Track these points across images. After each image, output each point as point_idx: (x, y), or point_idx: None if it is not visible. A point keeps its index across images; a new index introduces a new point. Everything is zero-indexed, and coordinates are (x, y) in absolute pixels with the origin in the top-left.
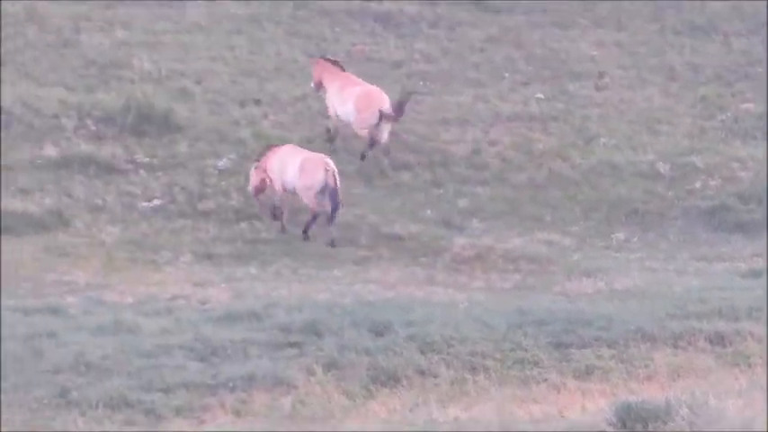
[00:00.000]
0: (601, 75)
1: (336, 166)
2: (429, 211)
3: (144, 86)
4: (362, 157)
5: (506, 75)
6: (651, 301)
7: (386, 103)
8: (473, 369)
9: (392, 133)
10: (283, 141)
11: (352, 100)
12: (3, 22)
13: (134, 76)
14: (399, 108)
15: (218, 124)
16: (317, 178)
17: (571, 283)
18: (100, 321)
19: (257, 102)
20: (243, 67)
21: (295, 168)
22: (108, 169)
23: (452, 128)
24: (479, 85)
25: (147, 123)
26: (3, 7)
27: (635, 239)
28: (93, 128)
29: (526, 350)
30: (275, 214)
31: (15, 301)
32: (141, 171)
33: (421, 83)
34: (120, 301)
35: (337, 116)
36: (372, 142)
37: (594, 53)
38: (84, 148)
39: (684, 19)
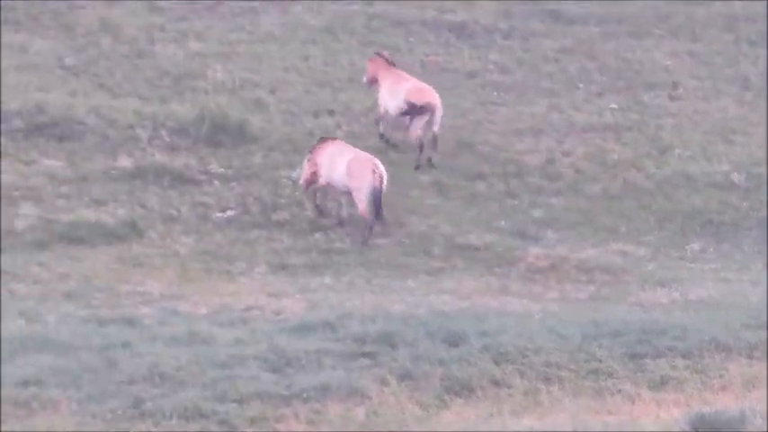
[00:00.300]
0: (675, 85)
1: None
2: (503, 222)
3: (218, 97)
4: (417, 165)
5: (580, 85)
6: (726, 312)
7: (436, 99)
8: (547, 379)
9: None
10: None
11: (402, 94)
12: (78, 32)
13: (208, 87)
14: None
15: (292, 134)
16: (367, 179)
17: (646, 293)
18: (174, 332)
19: (331, 112)
20: (317, 78)
21: (343, 168)
22: (182, 180)
23: (526, 138)
24: (553, 95)
25: (221, 134)
26: (78, 17)
27: (710, 250)
28: (168, 138)
29: (600, 361)
30: (324, 211)
31: (90, 311)
32: (215, 182)
33: (495, 93)
34: (195, 312)
35: (387, 112)
36: (421, 144)
37: (668, 63)
38: (159, 158)
39: (759, 29)
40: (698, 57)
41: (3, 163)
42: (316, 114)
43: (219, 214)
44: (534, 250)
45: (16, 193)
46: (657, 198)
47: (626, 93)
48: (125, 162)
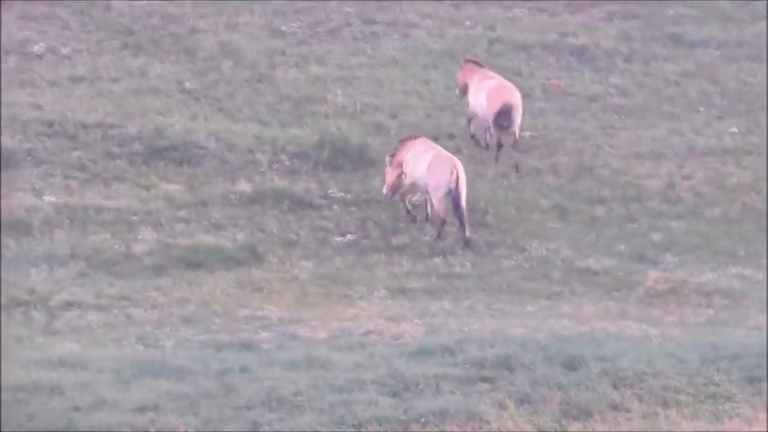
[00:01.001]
0: None
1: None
2: (623, 246)
3: (338, 121)
4: (496, 158)
5: (701, 109)
6: None
7: (515, 98)
8: (665, 403)
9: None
10: (477, 175)
11: (484, 92)
12: (198, 56)
13: (328, 111)
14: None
15: None
16: (444, 179)
17: (764, 316)
18: (292, 356)
19: (451, 136)
20: (438, 102)
21: (425, 166)
22: (301, 204)
23: (647, 162)
24: (674, 119)
25: (341, 158)
26: (198, 41)
27: None
28: (288, 163)
29: (719, 385)
30: (431, 220)
31: (208, 336)
32: (335, 206)
33: (615, 117)
34: (313, 337)
35: (474, 111)
36: (499, 142)
37: None
38: (278, 183)
39: None
40: None
41: (122, 187)
42: (436, 138)
43: (339, 238)
44: (653, 274)
45: (135, 218)
46: None
47: (746, 116)
48: (244, 186)
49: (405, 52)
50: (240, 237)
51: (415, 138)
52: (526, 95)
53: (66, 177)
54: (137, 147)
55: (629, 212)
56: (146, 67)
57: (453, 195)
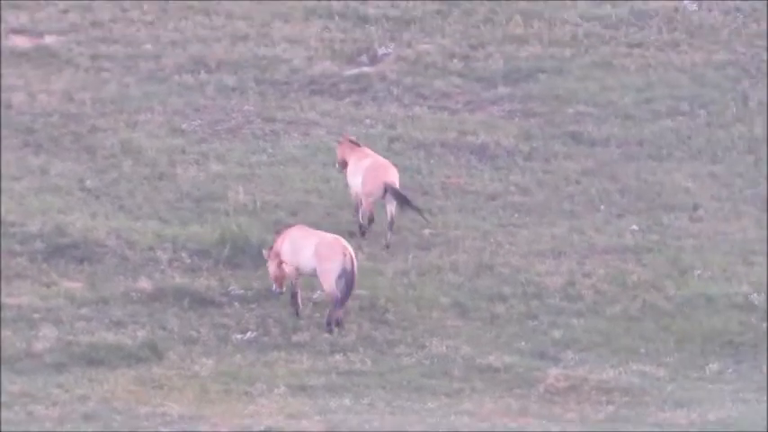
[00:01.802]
0: (695, 206)
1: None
2: (523, 343)
3: (239, 219)
4: (362, 233)
5: (602, 207)
6: None
7: (392, 177)
8: None
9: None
10: (377, 273)
11: (361, 171)
12: (99, 154)
13: (229, 209)
14: (403, 199)
15: None
16: (336, 262)
17: (665, 414)
18: None
19: (351, 234)
20: (338, 200)
21: (310, 252)
22: (202, 302)
23: (547, 259)
24: (574, 216)
25: (241, 255)
26: (99, 140)
27: (729, 371)
28: (188, 260)
29: None
30: (293, 302)
31: None
32: (235, 303)
33: (515, 215)
34: None
35: (356, 193)
36: (370, 217)
37: (689, 185)
38: (179, 280)
39: None
40: (718, 178)
41: (23, 285)
42: None
43: (239, 336)
44: (554, 371)
45: (36, 315)
46: (677, 319)
47: (647, 214)
48: (145, 284)
49: (305, 150)
50: (141, 334)
51: (291, 226)
52: (426, 194)
53: None
54: (38, 244)
55: (530, 310)
56: (46, 166)
57: (348, 277)
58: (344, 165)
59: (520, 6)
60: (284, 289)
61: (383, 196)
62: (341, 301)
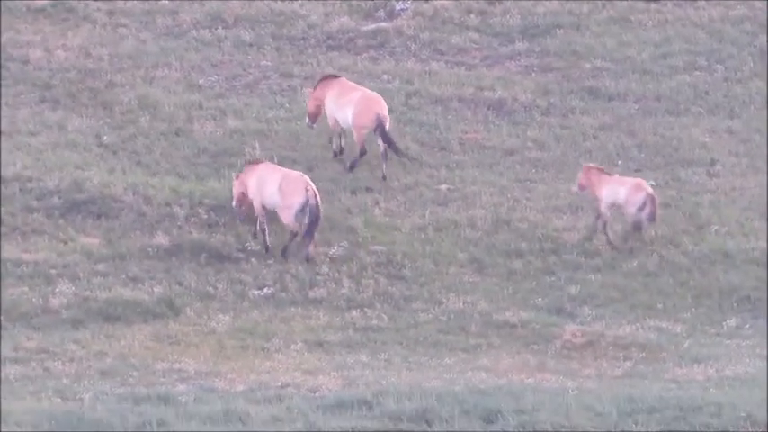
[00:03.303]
0: (713, 161)
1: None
2: (540, 299)
3: None
4: (351, 166)
5: (619, 162)
6: (762, 389)
7: (385, 110)
8: None
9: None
10: (394, 229)
11: (352, 104)
12: (116, 110)
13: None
14: (391, 141)
15: (330, 212)
16: (298, 198)
17: (682, 370)
18: (210, 410)
19: (368, 189)
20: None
21: (274, 188)
22: (219, 257)
23: (564, 215)
24: None
25: None
26: (116, 95)
27: (746, 326)
28: (205, 216)
29: None
30: (256, 233)
31: (126, 389)
32: (252, 259)
33: (533, 170)
34: (231, 389)
35: (336, 121)
36: (362, 150)
37: (706, 140)
38: (196, 236)
39: None
40: (736, 134)
41: (40, 240)
42: (354, 192)
43: (256, 292)
44: (571, 327)
45: (53, 271)
46: (694, 274)
47: (664, 169)
48: (162, 240)
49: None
50: (158, 290)
51: (258, 162)
52: (443, 149)
53: None
54: (55, 200)
55: (547, 265)
56: (64, 121)
57: (313, 212)
58: (317, 114)
59: None
60: (244, 212)
61: (375, 129)
62: (309, 235)
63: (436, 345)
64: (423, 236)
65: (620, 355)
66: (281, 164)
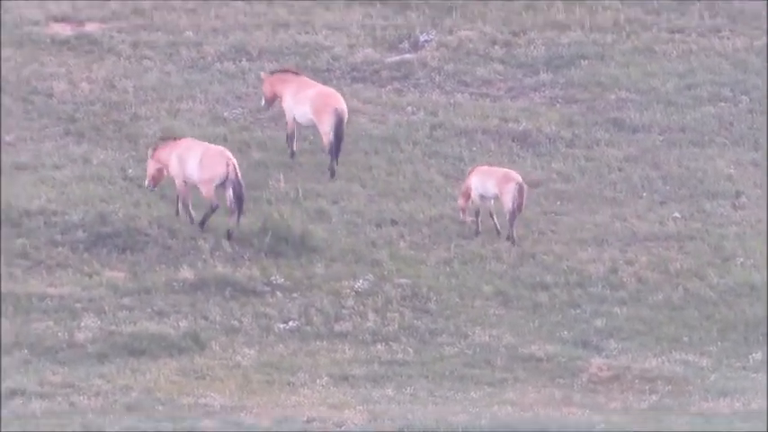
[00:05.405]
0: (738, 194)
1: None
2: (566, 332)
3: (280, 207)
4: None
5: (644, 194)
6: None
7: (342, 104)
8: None
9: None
10: (419, 262)
11: (308, 100)
12: (141, 143)
13: (270, 197)
14: (341, 136)
15: (355, 245)
16: (218, 171)
17: (708, 403)
18: None
19: (394, 222)
20: (380, 188)
21: (195, 162)
22: (244, 291)
23: (589, 247)
24: (616, 204)
25: (283, 244)
26: (141, 128)
27: None
28: (230, 249)
29: None
30: (178, 209)
31: (152, 423)
32: (277, 293)
33: (558, 202)
34: (257, 424)
35: (294, 119)
36: (331, 146)
37: (732, 172)
38: (221, 269)
39: None
40: (760, 165)
41: (65, 274)
42: (379, 224)
43: (282, 325)
44: (597, 360)
45: (78, 305)
46: (720, 307)
47: (689, 201)
48: (187, 273)
49: (347, 138)
50: (183, 324)
51: (179, 138)
52: None
53: (9, 265)
54: (80, 234)
55: (572, 298)
56: (88, 155)
57: (234, 185)
58: (272, 100)
59: None
60: (156, 186)
61: (334, 123)
62: (237, 210)
63: (462, 378)
64: (448, 269)
65: (647, 388)
66: (305, 197)
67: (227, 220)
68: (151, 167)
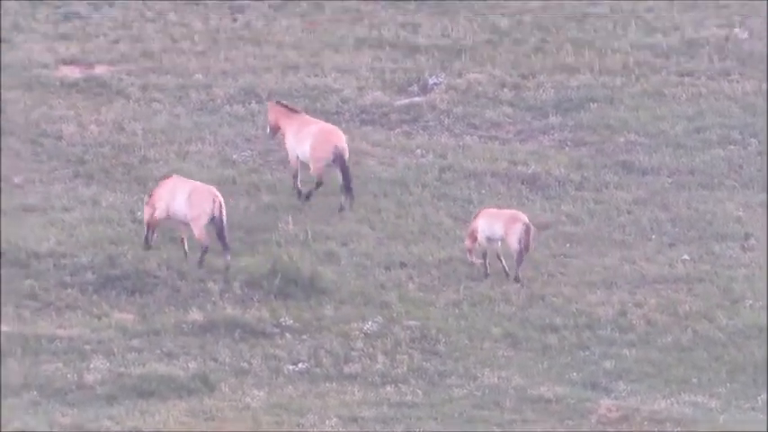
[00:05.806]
0: (747, 236)
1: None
2: (575, 374)
3: (290, 249)
4: (307, 197)
5: (653, 236)
6: None
7: (343, 141)
8: None
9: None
10: (428, 304)
11: (310, 137)
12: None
13: (280, 239)
14: (346, 171)
15: (364, 287)
16: (205, 209)
17: None
18: None
19: (402, 265)
20: (389, 230)
21: (183, 199)
22: (253, 333)
23: (598, 290)
24: (625, 246)
25: (292, 286)
26: (150, 170)
27: None
28: (239, 291)
29: None
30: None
31: None
32: (287, 334)
33: (567, 245)
34: None
35: (297, 157)
36: (320, 181)
37: (740, 214)
38: (230, 311)
39: None
40: None
41: (74, 316)
42: (388, 267)
43: (291, 367)
44: (606, 402)
45: (87, 347)
46: (729, 349)
47: (698, 243)
48: (196, 315)
49: (356, 180)
50: (192, 366)
51: (169, 176)
52: None
53: (18, 306)
54: (89, 276)
55: (581, 340)
56: (97, 197)
57: (217, 222)
58: (277, 129)
59: (570, 35)
60: (155, 233)
61: (333, 160)
62: (222, 243)
63: (471, 420)
64: (457, 311)
65: (656, 430)
66: (314, 239)
67: (204, 253)
68: (147, 215)
